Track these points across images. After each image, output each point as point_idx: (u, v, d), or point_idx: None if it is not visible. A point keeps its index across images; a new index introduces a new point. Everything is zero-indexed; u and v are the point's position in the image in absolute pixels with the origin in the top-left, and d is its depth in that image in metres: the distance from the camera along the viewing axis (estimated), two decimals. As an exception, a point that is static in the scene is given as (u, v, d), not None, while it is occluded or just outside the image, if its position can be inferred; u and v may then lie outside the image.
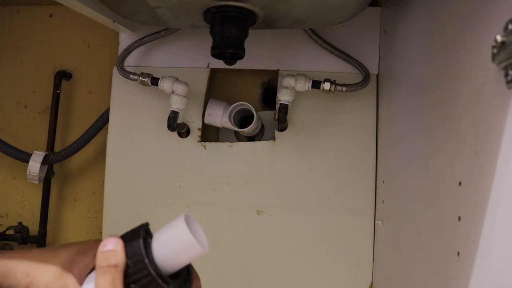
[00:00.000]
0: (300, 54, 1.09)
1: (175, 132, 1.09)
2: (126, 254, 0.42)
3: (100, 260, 0.42)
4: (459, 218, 0.52)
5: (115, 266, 0.42)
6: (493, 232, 0.42)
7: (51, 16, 1.32)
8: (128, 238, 0.43)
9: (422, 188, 0.69)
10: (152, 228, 0.45)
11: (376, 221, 1.03)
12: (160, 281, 0.41)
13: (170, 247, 0.42)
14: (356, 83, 1.01)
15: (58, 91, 1.26)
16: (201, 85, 1.11)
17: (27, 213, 1.31)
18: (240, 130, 1.05)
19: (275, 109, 1.07)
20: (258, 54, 1.09)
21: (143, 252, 0.41)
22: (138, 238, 0.42)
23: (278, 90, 1.05)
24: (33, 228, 1.27)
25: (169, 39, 1.12)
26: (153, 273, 0.40)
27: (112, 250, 0.42)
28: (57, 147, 1.27)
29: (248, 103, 1.05)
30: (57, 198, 1.30)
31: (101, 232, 1.13)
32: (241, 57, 0.83)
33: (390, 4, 1.01)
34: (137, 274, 0.41)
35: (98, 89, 1.29)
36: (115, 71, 1.12)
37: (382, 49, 1.06)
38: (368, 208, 1.05)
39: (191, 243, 0.41)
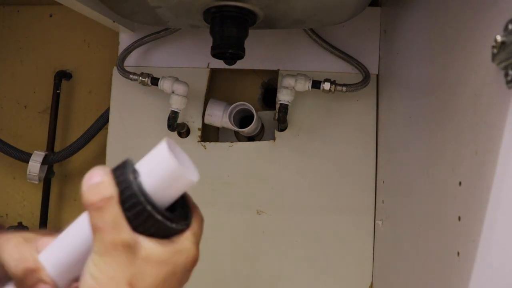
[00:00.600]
0: (300, 54, 1.09)
1: (175, 132, 1.09)
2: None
3: (89, 196, 0.36)
4: (459, 218, 0.52)
5: (110, 198, 0.35)
6: (493, 232, 0.42)
7: (51, 16, 1.32)
8: (113, 170, 0.37)
9: (422, 188, 0.69)
10: None
11: (376, 221, 1.03)
12: (149, 207, 0.36)
13: (155, 177, 0.36)
14: (356, 83, 1.01)
15: (58, 91, 1.26)
16: (201, 85, 1.11)
17: (27, 213, 1.31)
18: (240, 130, 1.05)
19: (275, 109, 1.07)
20: (258, 54, 1.09)
21: (132, 180, 0.36)
22: (124, 168, 0.37)
23: (278, 90, 1.05)
24: (33, 228, 1.27)
25: (169, 39, 1.12)
26: (143, 200, 0.35)
27: (101, 182, 0.36)
28: (57, 147, 1.27)
29: (248, 103, 1.05)
30: (57, 198, 1.30)
31: (101, 232, 1.13)
32: (241, 57, 0.83)
33: (390, 4, 1.01)
34: (127, 203, 0.36)
35: (98, 89, 1.29)
36: (115, 71, 1.12)
37: (382, 49, 1.06)
38: (368, 208, 1.05)
39: (176, 170, 0.36)
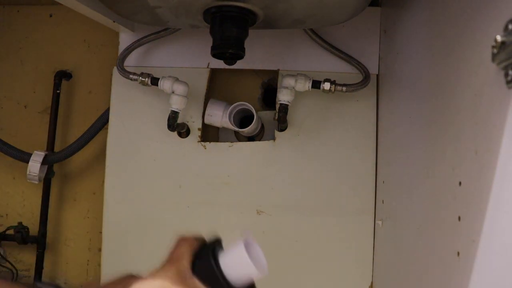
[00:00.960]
0: (300, 54, 1.09)
1: (175, 132, 1.09)
2: (197, 265, 0.46)
3: (178, 239, 0.47)
4: (459, 218, 0.52)
5: (189, 241, 0.47)
6: (493, 232, 0.42)
7: (51, 16, 1.32)
8: (199, 250, 0.48)
9: (422, 188, 0.69)
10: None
11: (376, 221, 1.03)
12: (215, 265, 0.46)
13: (233, 270, 0.47)
14: (356, 83, 1.01)
15: (58, 91, 1.26)
16: (201, 85, 1.11)
17: (27, 213, 1.31)
18: (240, 130, 1.05)
19: (275, 109, 1.07)
20: (258, 54, 1.09)
21: (213, 264, 0.46)
22: (208, 253, 0.47)
23: (278, 90, 1.05)
24: (33, 228, 1.27)
25: (169, 39, 1.11)
26: (212, 260, 0.46)
27: (188, 236, 0.48)
28: (57, 147, 1.27)
29: (248, 103, 1.05)
30: (57, 198, 1.30)
31: (101, 232, 1.13)
32: (241, 57, 0.83)
33: (390, 4, 1.01)
34: (201, 255, 0.46)
35: (98, 89, 1.29)
36: (115, 71, 1.12)
37: (382, 49, 1.06)
38: (368, 208, 1.05)
39: (252, 270, 0.49)
